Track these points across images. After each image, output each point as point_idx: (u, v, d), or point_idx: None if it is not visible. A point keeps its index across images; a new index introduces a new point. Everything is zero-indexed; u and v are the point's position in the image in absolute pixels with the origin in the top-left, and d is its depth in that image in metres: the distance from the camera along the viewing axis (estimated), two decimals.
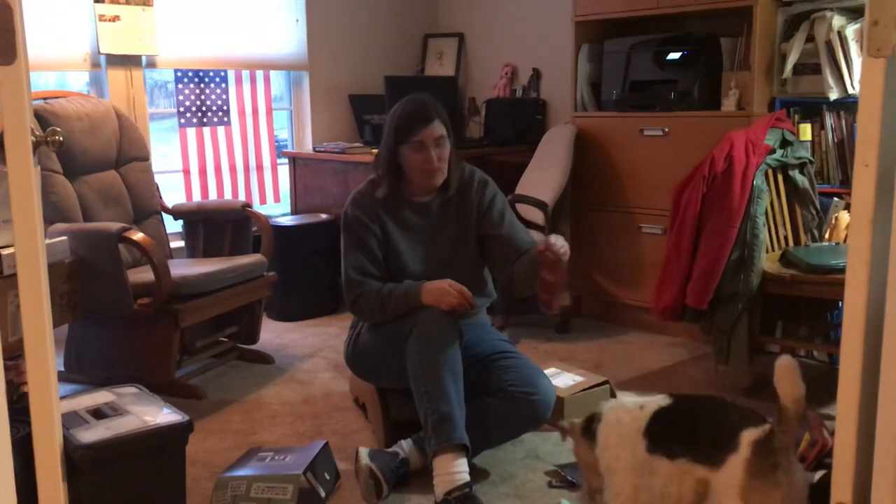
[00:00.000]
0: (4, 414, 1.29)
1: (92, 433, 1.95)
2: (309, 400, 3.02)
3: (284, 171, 4.61)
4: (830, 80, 3.14)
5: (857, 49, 3.12)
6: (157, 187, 3.56)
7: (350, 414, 2.87)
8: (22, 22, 1.34)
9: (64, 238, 2.68)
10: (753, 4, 3.23)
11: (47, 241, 2.28)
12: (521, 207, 3.79)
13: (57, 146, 1.50)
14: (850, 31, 3.12)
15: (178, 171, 4.20)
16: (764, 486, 1.54)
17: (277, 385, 3.18)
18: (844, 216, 3.15)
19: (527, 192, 3.82)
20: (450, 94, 4.73)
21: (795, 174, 3.12)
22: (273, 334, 3.85)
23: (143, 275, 2.98)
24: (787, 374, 1.52)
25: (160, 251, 3.00)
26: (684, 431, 1.68)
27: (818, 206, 3.17)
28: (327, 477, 2.27)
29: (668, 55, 3.57)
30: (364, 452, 2.25)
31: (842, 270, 2.45)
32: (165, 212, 3.57)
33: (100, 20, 3.75)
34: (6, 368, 1.44)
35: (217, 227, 3.55)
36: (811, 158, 3.19)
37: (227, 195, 4.32)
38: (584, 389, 2.72)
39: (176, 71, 4.11)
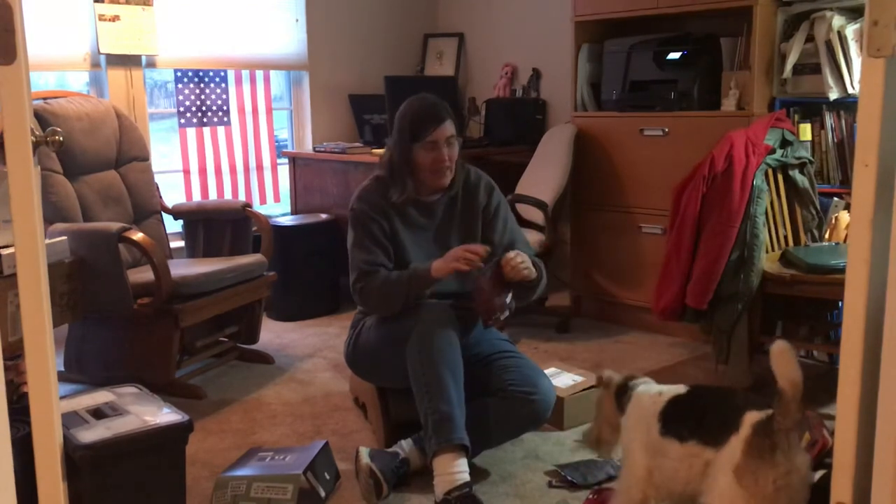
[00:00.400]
0: (4, 414, 1.29)
1: (92, 433, 1.94)
2: (309, 400, 3.02)
3: (284, 171, 4.61)
4: (830, 80, 3.14)
5: (857, 49, 3.12)
6: (157, 187, 3.56)
7: (350, 414, 2.87)
8: (22, 22, 1.34)
9: (64, 238, 2.68)
10: (753, 4, 3.23)
11: (47, 241, 2.28)
12: (521, 207, 3.79)
13: (57, 146, 1.50)
14: (850, 31, 3.12)
15: (178, 171, 4.20)
16: (758, 465, 1.56)
17: (277, 385, 3.18)
18: (844, 216, 3.15)
19: (527, 192, 3.82)
20: (450, 94, 4.73)
21: (795, 174, 3.12)
22: (273, 334, 3.85)
23: (143, 275, 2.98)
24: (782, 358, 1.54)
25: (160, 251, 3.00)
26: (694, 416, 1.74)
27: (818, 206, 3.17)
28: (327, 477, 2.27)
29: (668, 55, 3.57)
30: (364, 452, 2.25)
31: (842, 270, 2.45)
32: (165, 212, 3.57)
33: (100, 20, 3.75)
34: (6, 368, 1.44)
35: (217, 227, 3.55)
36: (811, 158, 3.19)
37: (227, 195, 4.32)
38: (584, 389, 2.72)
39: (176, 71, 4.11)
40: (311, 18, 4.58)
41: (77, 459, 1.86)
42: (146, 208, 3.46)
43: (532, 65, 4.68)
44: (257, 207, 4.20)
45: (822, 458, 2.05)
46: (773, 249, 3.05)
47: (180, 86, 4.13)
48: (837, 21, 3.12)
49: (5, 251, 2.20)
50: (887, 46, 1.14)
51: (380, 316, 2.46)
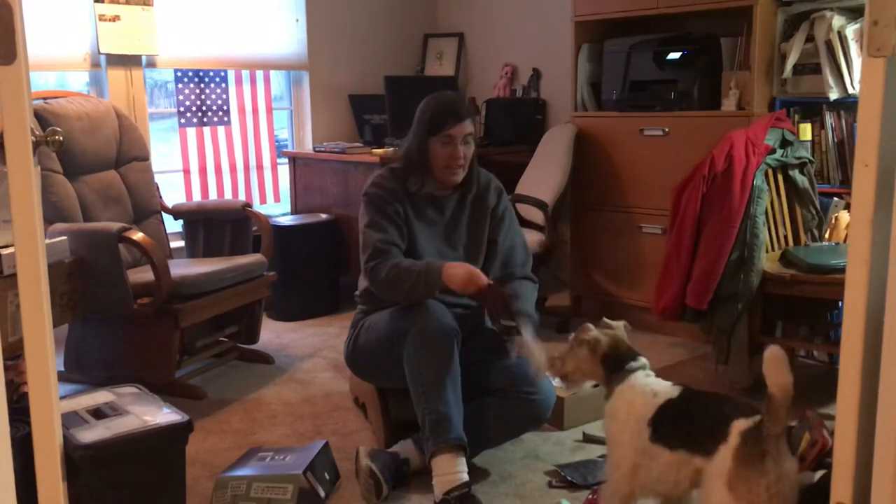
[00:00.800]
0: (4, 414, 1.29)
1: (92, 433, 1.94)
2: (309, 400, 3.02)
3: (284, 171, 4.61)
4: (830, 80, 3.14)
5: (857, 49, 3.12)
6: (157, 187, 3.56)
7: (350, 414, 2.87)
8: (22, 22, 1.34)
9: (64, 238, 2.68)
10: (753, 4, 3.23)
11: (47, 241, 2.27)
12: (521, 207, 3.79)
13: (57, 146, 1.50)
14: (850, 31, 3.12)
15: (178, 170, 4.20)
16: (750, 474, 1.57)
17: (277, 385, 3.18)
18: (844, 216, 3.15)
19: (527, 191, 3.82)
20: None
21: (795, 174, 3.12)
22: (273, 334, 3.85)
23: (143, 275, 2.98)
24: (775, 364, 1.55)
25: (160, 251, 3.00)
26: (684, 425, 1.74)
27: (818, 206, 3.17)
28: (327, 477, 2.27)
29: (668, 55, 3.57)
30: (364, 452, 2.25)
31: (842, 270, 2.44)
32: (165, 212, 3.57)
33: (100, 20, 3.75)
34: (6, 368, 1.44)
35: (217, 226, 3.55)
36: (811, 158, 3.19)
37: (227, 195, 4.32)
38: None
39: (176, 71, 4.11)
40: (311, 18, 4.58)
41: (77, 459, 1.86)
42: (146, 208, 3.46)
43: (532, 65, 4.68)
44: (257, 207, 4.20)
45: (822, 458, 2.05)
46: (773, 249, 3.05)
47: (180, 86, 4.13)
48: (837, 21, 3.12)
49: (5, 251, 2.20)
50: (887, 46, 1.14)
51: (380, 309, 2.46)
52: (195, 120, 4.18)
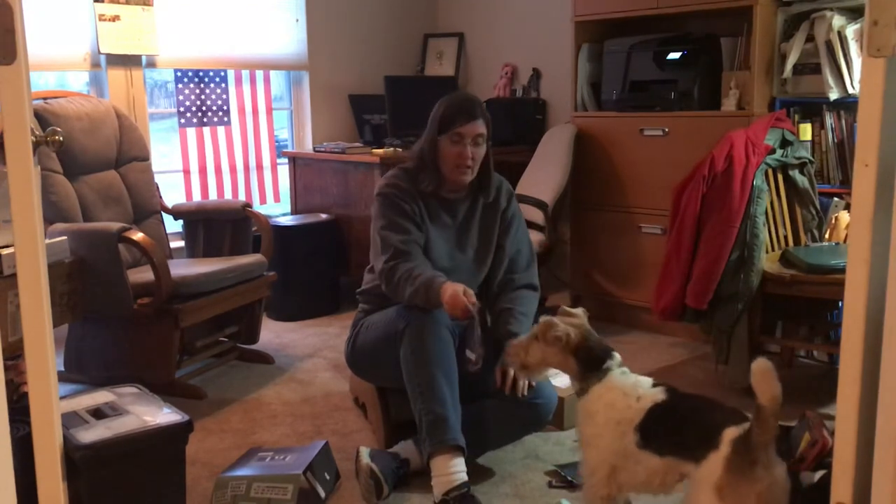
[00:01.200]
0: (4, 414, 1.29)
1: (92, 433, 1.94)
2: (309, 400, 3.02)
3: (284, 171, 4.61)
4: (830, 80, 3.14)
5: (857, 49, 3.12)
6: (157, 187, 3.56)
7: (350, 414, 2.87)
8: (22, 22, 1.34)
9: (64, 238, 2.68)
10: (753, 4, 3.23)
11: (47, 241, 2.27)
12: (521, 207, 3.79)
13: (57, 146, 1.50)
14: (850, 31, 3.12)
15: (178, 171, 4.20)
16: (740, 482, 1.57)
17: (277, 385, 3.18)
18: (844, 216, 3.15)
19: (527, 192, 3.82)
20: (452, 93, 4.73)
21: (795, 174, 3.12)
22: (273, 334, 3.85)
23: (143, 275, 2.98)
24: (764, 377, 1.54)
25: (160, 251, 3.00)
26: (674, 431, 1.73)
27: (818, 206, 3.17)
28: (327, 477, 2.27)
29: (668, 55, 3.57)
30: (365, 452, 2.25)
31: (842, 270, 2.45)
32: (165, 212, 3.57)
33: (100, 20, 3.75)
34: (6, 368, 1.44)
35: (217, 227, 3.55)
36: (811, 158, 3.19)
37: (227, 195, 4.33)
38: None
39: (176, 71, 4.11)
40: (311, 18, 4.59)
41: (77, 459, 1.86)
42: (146, 208, 3.46)
43: (532, 65, 4.68)
44: (257, 207, 4.20)
45: (822, 458, 2.05)
46: (773, 249, 3.05)
47: (180, 86, 4.13)
48: (837, 21, 3.12)
49: (5, 251, 2.20)
50: (887, 46, 1.14)
51: (381, 308, 2.46)
52: (195, 120, 4.18)
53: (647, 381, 1.85)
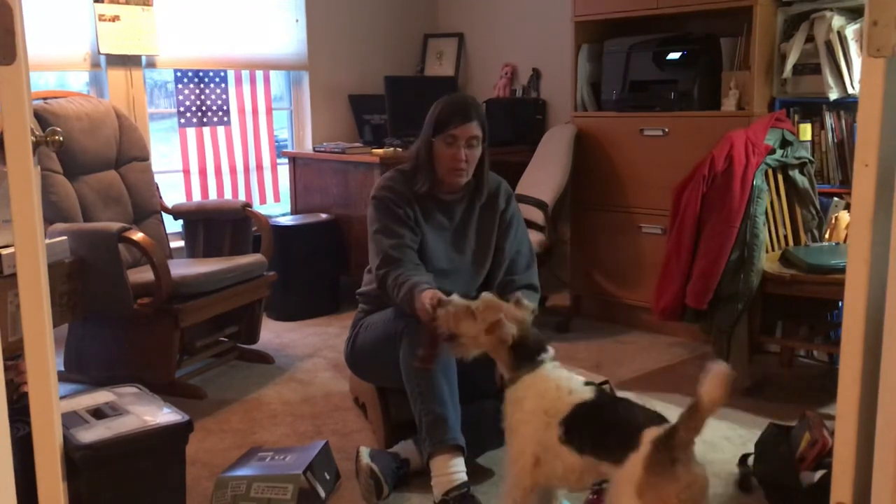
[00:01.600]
0: (4, 414, 1.29)
1: (92, 433, 1.94)
2: (309, 400, 3.02)
3: (284, 171, 4.61)
4: (830, 80, 3.14)
5: (857, 49, 3.12)
6: (157, 187, 3.56)
7: (350, 414, 2.87)
8: (22, 22, 1.34)
9: (64, 238, 2.68)
10: (753, 4, 3.23)
11: (47, 241, 2.27)
12: (521, 207, 3.78)
13: (57, 146, 1.50)
14: (850, 31, 3.12)
15: (178, 171, 4.20)
16: (660, 481, 1.57)
17: (277, 385, 3.18)
18: (844, 216, 3.15)
19: (527, 192, 3.82)
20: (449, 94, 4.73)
21: (795, 174, 3.12)
22: (273, 334, 3.85)
23: (143, 275, 2.98)
24: (718, 380, 1.53)
25: (160, 251, 3.00)
26: (595, 430, 1.73)
27: (818, 206, 3.17)
28: (327, 477, 2.27)
29: (668, 55, 3.57)
30: (365, 452, 2.25)
31: (842, 270, 2.44)
32: (165, 212, 3.57)
33: (100, 20, 3.75)
34: (6, 368, 1.44)
35: (217, 227, 3.55)
36: (811, 158, 3.19)
37: (227, 195, 4.33)
38: None
39: (176, 71, 4.11)
40: (311, 18, 4.59)
41: (77, 459, 1.86)
42: (146, 208, 3.46)
43: (532, 65, 4.68)
44: (257, 207, 4.20)
45: (822, 458, 2.05)
46: (773, 249, 3.05)
47: (180, 86, 4.13)
48: (837, 21, 3.12)
49: (5, 251, 2.20)
50: (887, 46, 1.14)
51: (381, 309, 2.46)
52: (195, 120, 4.18)
53: (580, 379, 1.86)
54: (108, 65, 3.87)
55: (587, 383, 1.85)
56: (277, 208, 4.64)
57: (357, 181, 4.11)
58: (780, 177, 3.10)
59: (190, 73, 4.15)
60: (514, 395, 1.88)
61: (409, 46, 5.10)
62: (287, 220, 4.22)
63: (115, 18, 3.78)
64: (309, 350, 3.63)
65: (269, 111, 4.46)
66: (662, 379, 3.18)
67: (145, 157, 3.53)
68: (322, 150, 4.33)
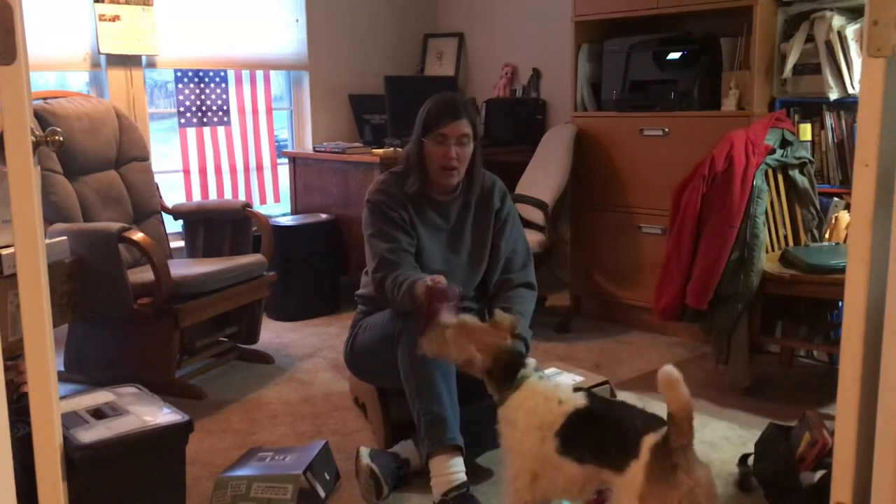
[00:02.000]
0: (4, 414, 1.29)
1: (92, 433, 1.94)
2: (309, 400, 3.02)
3: (284, 171, 4.61)
4: (830, 80, 3.14)
5: (857, 49, 3.12)
6: (157, 187, 3.56)
7: (350, 414, 2.87)
8: (22, 22, 1.34)
9: (64, 238, 2.68)
10: (753, 4, 3.23)
11: (47, 241, 2.28)
12: (521, 207, 3.78)
13: (57, 146, 1.50)
14: (850, 31, 3.12)
15: (178, 171, 4.20)
16: (662, 489, 1.57)
17: (277, 385, 3.18)
18: (844, 216, 3.15)
19: (527, 192, 3.82)
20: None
21: (795, 174, 3.12)
22: (273, 334, 3.85)
23: (143, 275, 2.98)
24: (670, 385, 1.54)
25: (160, 251, 3.00)
26: (594, 438, 1.72)
27: (818, 206, 3.17)
28: (327, 477, 2.27)
29: (668, 55, 3.57)
30: (365, 452, 2.25)
31: (842, 270, 2.44)
32: (165, 212, 3.57)
33: (100, 20, 3.75)
34: (6, 368, 1.44)
35: (217, 227, 3.55)
36: (811, 158, 3.19)
37: (227, 195, 4.33)
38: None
39: (176, 71, 4.11)
40: (311, 18, 4.59)
41: (77, 459, 1.86)
42: (146, 208, 3.46)
43: (532, 65, 4.68)
44: (257, 207, 4.20)
45: (822, 458, 2.05)
46: (773, 249, 3.05)
47: (180, 86, 4.13)
48: (837, 21, 3.12)
49: (5, 251, 2.20)
50: (887, 46, 1.14)
51: (380, 310, 2.46)
52: (195, 120, 4.18)
53: (568, 384, 1.84)
54: (108, 65, 3.87)
55: (576, 389, 1.83)
56: (277, 208, 4.64)
57: (357, 181, 4.11)
58: (780, 177, 3.10)
59: (190, 73, 4.15)
60: (505, 415, 1.87)
61: (410, 46, 5.10)
62: (287, 220, 4.22)
63: (115, 18, 3.78)
64: (309, 350, 3.63)
65: (269, 111, 4.46)
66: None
67: (145, 157, 3.53)
68: (322, 150, 4.33)
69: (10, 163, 1.39)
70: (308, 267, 4.09)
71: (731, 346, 2.88)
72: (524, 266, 2.55)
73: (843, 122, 3.20)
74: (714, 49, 3.50)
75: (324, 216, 4.26)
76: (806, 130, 3.28)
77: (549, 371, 2.79)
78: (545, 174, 3.85)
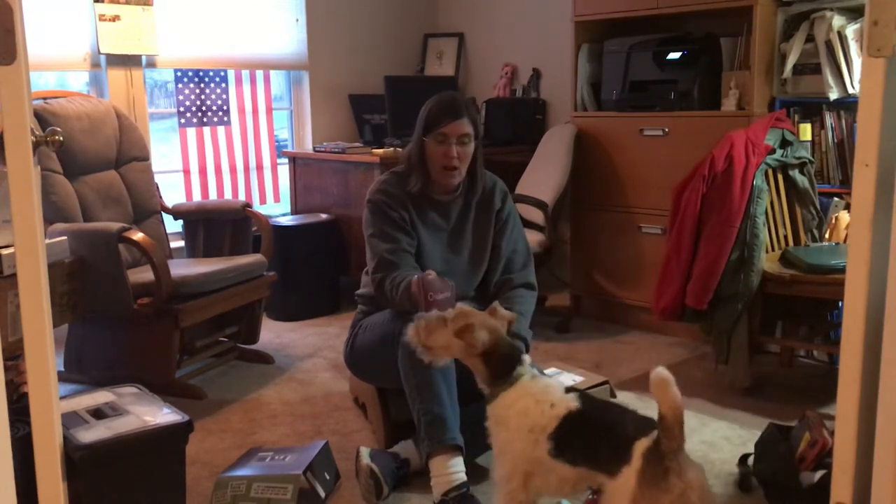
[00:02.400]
0: (4, 414, 1.29)
1: (92, 433, 1.94)
2: (309, 400, 3.02)
3: (284, 171, 4.61)
4: (830, 80, 3.14)
5: (857, 49, 3.12)
6: (157, 187, 3.56)
7: (350, 414, 2.87)
8: (22, 22, 1.34)
9: (64, 238, 2.68)
10: (753, 4, 3.23)
11: (47, 241, 2.27)
12: (521, 207, 3.78)
13: (57, 146, 1.50)
14: (850, 31, 3.12)
15: (178, 171, 4.20)
16: (653, 493, 1.57)
17: (277, 385, 3.18)
18: (844, 216, 3.16)
19: (527, 192, 3.82)
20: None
21: (795, 174, 3.12)
22: (273, 334, 3.85)
23: (143, 275, 2.98)
24: (662, 386, 1.54)
25: (160, 251, 3.00)
26: (587, 442, 1.72)
27: (818, 206, 3.17)
28: (327, 477, 2.27)
29: (668, 55, 3.57)
30: (365, 452, 2.25)
31: (842, 270, 2.45)
32: (165, 212, 3.57)
33: (100, 20, 3.75)
34: (6, 368, 1.44)
35: (217, 227, 3.55)
36: (811, 158, 3.19)
37: (227, 195, 4.33)
38: (585, 389, 2.72)
39: (176, 71, 4.11)
40: (311, 18, 4.59)
41: (77, 459, 1.86)
42: (146, 208, 3.46)
43: (532, 65, 4.68)
44: (257, 207, 4.20)
45: (822, 458, 2.05)
46: (773, 249, 3.05)
47: (180, 86, 4.13)
48: (837, 21, 3.12)
49: (5, 251, 2.20)
50: (887, 46, 1.14)
51: (380, 310, 2.46)
52: (195, 120, 4.18)
53: (559, 386, 1.84)
54: (108, 65, 3.87)
55: (568, 390, 1.83)
56: (277, 208, 4.64)
57: (357, 181, 4.11)
58: (780, 177, 3.10)
59: (190, 73, 4.15)
60: (495, 413, 1.86)
61: (410, 46, 5.10)
62: (287, 220, 4.22)
63: (115, 18, 3.78)
64: (309, 350, 3.63)
65: (269, 111, 4.46)
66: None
67: (145, 157, 3.53)
68: (322, 149, 4.33)
69: (10, 163, 1.39)
70: (308, 267, 4.09)
71: (731, 346, 2.88)
72: (524, 266, 2.55)
73: (843, 122, 3.20)
74: (714, 49, 3.50)
75: (324, 216, 4.26)
76: (806, 130, 3.28)
77: (549, 371, 2.79)
78: (545, 174, 3.85)
